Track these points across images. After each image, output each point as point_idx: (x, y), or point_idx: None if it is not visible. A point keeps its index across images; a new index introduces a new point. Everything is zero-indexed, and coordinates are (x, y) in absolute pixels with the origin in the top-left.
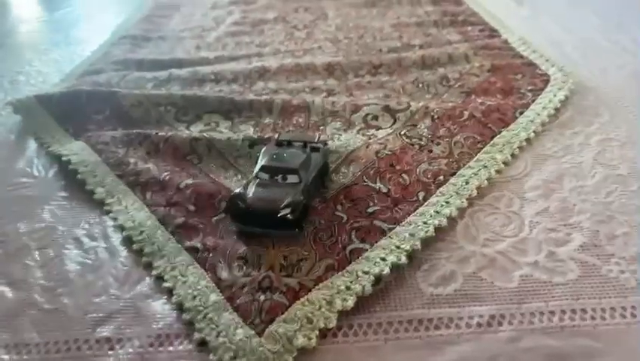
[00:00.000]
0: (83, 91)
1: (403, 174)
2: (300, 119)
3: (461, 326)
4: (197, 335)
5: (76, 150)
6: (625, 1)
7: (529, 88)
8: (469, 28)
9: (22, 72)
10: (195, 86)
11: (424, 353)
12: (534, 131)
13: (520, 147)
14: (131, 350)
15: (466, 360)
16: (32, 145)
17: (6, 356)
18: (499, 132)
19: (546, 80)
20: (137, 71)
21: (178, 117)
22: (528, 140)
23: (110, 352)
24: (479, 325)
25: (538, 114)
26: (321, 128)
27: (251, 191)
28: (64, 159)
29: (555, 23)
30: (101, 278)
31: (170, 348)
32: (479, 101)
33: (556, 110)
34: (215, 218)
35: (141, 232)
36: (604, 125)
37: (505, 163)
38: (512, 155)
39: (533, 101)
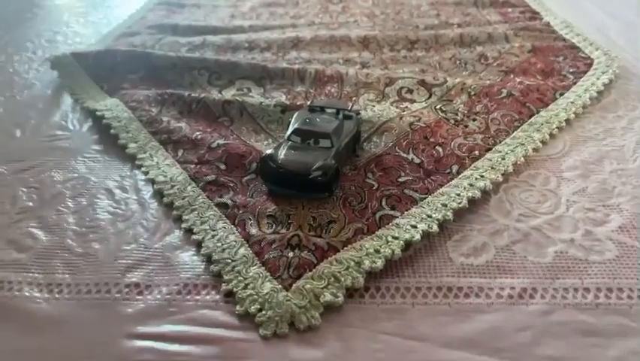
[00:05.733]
0: (118, 51)
1: (437, 147)
2: (333, 90)
3: (491, 296)
4: (224, 286)
5: (110, 106)
6: None
7: (571, 70)
8: (510, 9)
9: (59, 32)
10: (229, 53)
11: (452, 320)
12: (574, 113)
13: (559, 128)
14: (159, 296)
15: (495, 330)
16: (68, 100)
17: (38, 294)
18: (538, 112)
19: (589, 63)
20: (171, 35)
21: (211, 81)
22: (568, 121)
23: (138, 297)
24: (510, 296)
25: (580, 96)
26: (354, 99)
27: (282, 153)
28: (98, 114)
29: (598, 7)
30: (132, 228)
31: (197, 297)
32: (518, 80)
33: (599, 93)
34: (245, 178)
35: (172, 187)
36: None
37: (543, 142)
38: (551, 135)
39: (575, 83)
